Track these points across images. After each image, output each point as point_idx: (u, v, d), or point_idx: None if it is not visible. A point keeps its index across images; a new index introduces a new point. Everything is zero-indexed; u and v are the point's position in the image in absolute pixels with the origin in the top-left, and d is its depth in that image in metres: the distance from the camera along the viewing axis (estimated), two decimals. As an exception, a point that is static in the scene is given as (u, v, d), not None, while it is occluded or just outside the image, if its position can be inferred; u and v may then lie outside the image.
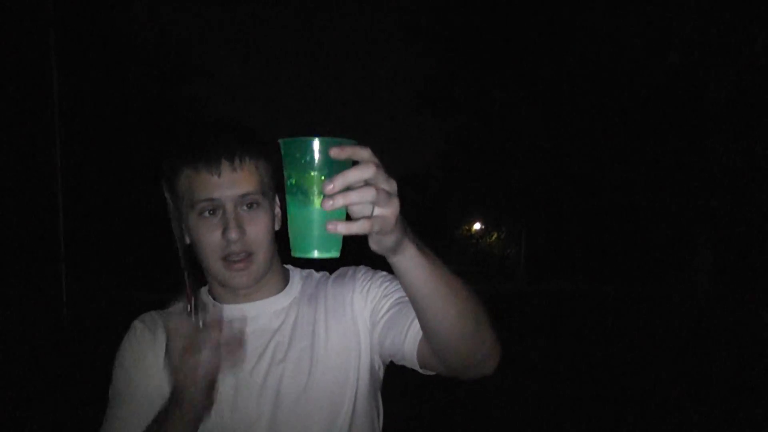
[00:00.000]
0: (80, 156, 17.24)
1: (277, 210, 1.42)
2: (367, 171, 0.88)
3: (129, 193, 19.76)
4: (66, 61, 15.71)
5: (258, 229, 1.32)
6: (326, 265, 1.28)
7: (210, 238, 1.30)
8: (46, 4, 14.96)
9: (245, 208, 1.31)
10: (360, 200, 0.88)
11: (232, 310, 1.38)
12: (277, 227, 1.40)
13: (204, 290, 1.47)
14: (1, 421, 6.08)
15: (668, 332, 11.20)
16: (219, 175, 1.28)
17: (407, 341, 1.26)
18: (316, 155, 0.92)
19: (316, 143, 0.91)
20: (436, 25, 22.02)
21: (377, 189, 0.88)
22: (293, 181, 0.95)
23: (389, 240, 0.95)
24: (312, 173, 0.92)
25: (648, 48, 13.12)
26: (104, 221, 19.12)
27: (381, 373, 1.45)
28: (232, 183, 1.28)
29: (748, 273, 14.88)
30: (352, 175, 0.87)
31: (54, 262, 14.82)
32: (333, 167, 0.91)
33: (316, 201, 0.92)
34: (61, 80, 15.13)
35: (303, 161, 0.93)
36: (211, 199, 1.28)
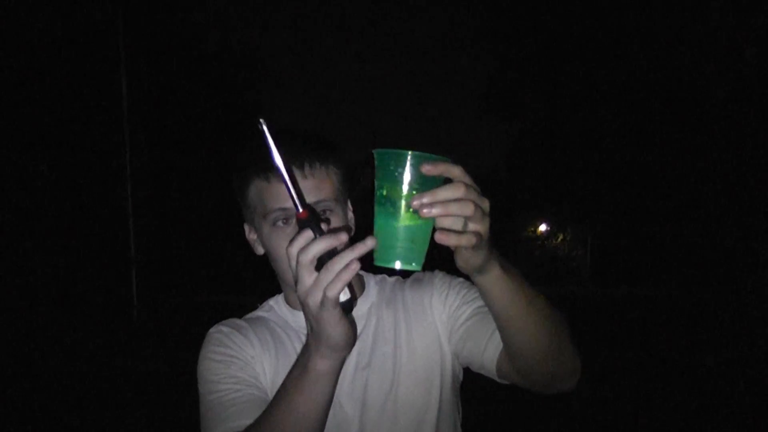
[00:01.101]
0: (149, 161, 17.75)
1: (350, 215, 1.40)
2: (457, 191, 0.89)
3: (198, 197, 20.24)
4: (134, 69, 16.20)
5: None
6: (393, 270, 1.29)
7: (284, 248, 1.24)
8: (115, 13, 15.50)
9: None
10: (458, 213, 0.89)
11: None
12: (350, 233, 1.38)
13: (280, 298, 1.47)
14: (73, 419, 6.28)
15: (741, 336, 10.81)
16: None
17: (487, 353, 1.26)
18: (409, 169, 0.93)
19: (410, 157, 0.92)
20: (501, 27, 21.87)
21: (475, 205, 0.90)
22: (384, 192, 0.95)
23: (478, 258, 0.97)
24: (402, 186, 0.93)
25: (724, 44, 12.75)
26: (174, 225, 19.62)
27: (461, 376, 1.43)
28: (304, 190, 1.25)
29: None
30: (442, 194, 0.89)
31: (125, 265, 15.31)
32: (425, 182, 0.92)
33: (404, 214, 0.94)
34: (130, 87, 15.63)
35: (396, 174, 0.93)
36: (284, 209, 1.26)
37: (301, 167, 1.27)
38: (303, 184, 1.26)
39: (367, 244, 0.96)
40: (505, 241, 31.87)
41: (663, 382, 7.73)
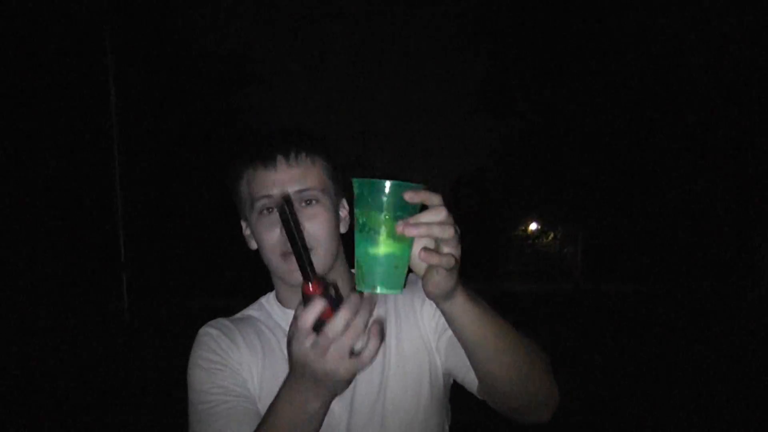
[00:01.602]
0: (139, 164, 17.69)
1: (344, 212, 1.40)
2: (439, 215, 0.94)
3: (187, 201, 20.18)
4: (123, 70, 16.15)
5: (316, 224, 1.30)
6: None
7: (269, 235, 1.29)
8: (104, 13, 15.45)
9: (304, 203, 1.29)
10: (440, 235, 0.94)
11: None
12: (343, 230, 1.38)
13: (272, 296, 1.46)
14: (64, 422, 6.27)
15: (730, 332, 10.88)
16: (275, 171, 1.28)
17: (471, 373, 1.25)
18: (388, 197, 0.96)
19: (389, 186, 0.95)
20: (492, 26, 21.89)
21: (453, 229, 0.95)
22: (364, 220, 0.98)
23: (448, 283, 0.99)
24: (383, 214, 0.96)
25: (716, 43, 12.82)
26: (165, 228, 19.55)
27: (450, 380, 1.41)
28: (289, 178, 1.28)
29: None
30: (427, 217, 0.94)
31: (115, 269, 15.26)
32: (404, 210, 0.96)
33: (385, 240, 0.96)
34: (119, 89, 15.58)
35: (375, 202, 0.96)
36: (269, 196, 1.27)
37: (287, 156, 1.28)
38: (288, 172, 1.28)
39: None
40: (496, 239, 32.01)
41: (655, 378, 7.76)
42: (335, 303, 0.99)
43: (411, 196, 0.94)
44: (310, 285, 0.99)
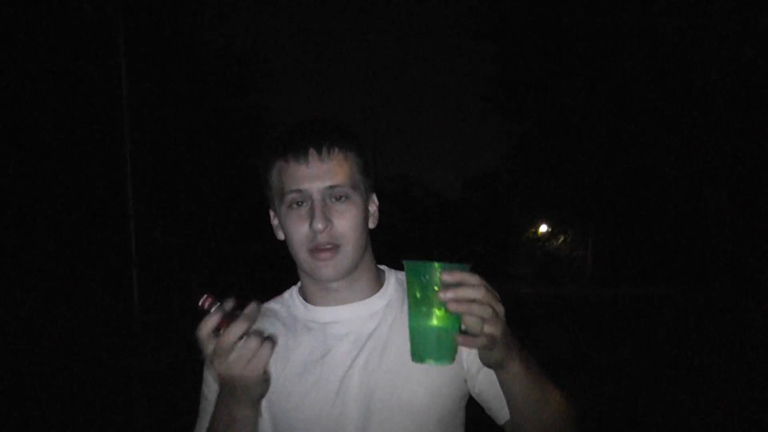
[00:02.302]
0: (150, 163, 17.76)
1: (373, 207, 1.40)
2: (478, 291, 1.00)
3: (200, 198, 20.24)
4: (135, 70, 16.21)
5: (346, 221, 1.28)
6: None
7: (298, 229, 1.28)
8: (116, 13, 15.51)
9: (334, 200, 1.28)
10: (478, 313, 1.00)
11: (323, 313, 1.38)
12: (371, 225, 1.38)
13: (295, 290, 1.46)
14: (73, 419, 6.30)
15: (740, 335, 10.81)
16: (307, 165, 1.27)
17: (503, 411, 1.29)
18: (435, 277, 1.04)
19: (436, 268, 1.04)
20: (503, 27, 21.86)
21: (492, 309, 1.01)
22: (417, 297, 1.07)
23: (494, 357, 1.07)
24: (431, 293, 1.04)
25: (723, 44, 12.75)
26: (175, 225, 19.62)
27: (470, 393, 1.39)
28: (320, 173, 1.26)
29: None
30: (464, 292, 1.00)
31: (126, 266, 15.32)
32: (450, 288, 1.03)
33: (434, 316, 1.05)
34: (131, 88, 15.64)
35: (424, 282, 1.05)
36: (299, 190, 1.27)
37: (319, 150, 1.27)
38: (320, 167, 1.27)
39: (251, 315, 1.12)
40: (506, 241, 31.93)
41: (664, 381, 7.73)
42: (230, 316, 1.12)
43: (448, 278, 1.01)
44: (204, 300, 1.15)
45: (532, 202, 26.40)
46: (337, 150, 1.28)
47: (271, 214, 1.39)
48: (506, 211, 30.97)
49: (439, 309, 1.04)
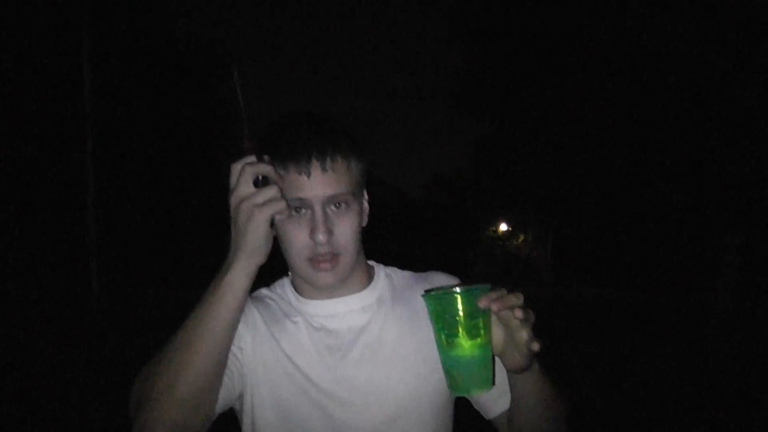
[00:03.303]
0: (111, 153, 17.44)
1: (365, 205, 1.39)
2: (520, 299, 1.07)
3: (160, 190, 19.96)
4: (98, 59, 15.90)
5: (346, 230, 1.28)
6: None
7: (297, 237, 1.27)
8: (80, 3, 15.19)
9: (333, 207, 1.27)
10: (526, 318, 1.07)
11: (315, 307, 1.38)
12: (363, 224, 1.38)
13: (287, 282, 1.45)
14: (31, 414, 6.18)
15: (696, 336, 11.07)
16: (308, 176, 1.24)
17: (496, 406, 1.38)
18: (461, 306, 1.07)
19: (460, 295, 1.08)
20: (469, 26, 21.92)
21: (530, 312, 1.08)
22: (444, 332, 1.10)
23: (527, 361, 1.13)
24: (459, 322, 1.08)
25: (681, 49, 12.98)
26: (135, 218, 19.33)
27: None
28: (321, 183, 1.24)
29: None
30: (509, 299, 1.07)
31: (85, 257, 15.04)
32: (476, 312, 1.07)
33: (466, 345, 1.08)
34: (93, 78, 15.33)
35: (450, 312, 1.08)
36: (300, 199, 1.25)
37: (322, 161, 1.25)
38: (322, 178, 1.25)
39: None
40: (466, 239, 32.11)
41: (622, 380, 7.88)
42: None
43: (484, 303, 1.06)
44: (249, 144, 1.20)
45: (492, 201, 26.56)
46: (339, 159, 1.27)
47: None
48: (467, 209, 31.12)
49: (475, 338, 1.07)
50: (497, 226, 30.25)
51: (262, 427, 1.31)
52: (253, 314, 1.36)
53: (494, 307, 1.05)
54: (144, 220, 19.45)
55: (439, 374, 1.29)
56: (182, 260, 20.26)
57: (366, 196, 1.40)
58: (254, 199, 1.13)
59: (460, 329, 1.06)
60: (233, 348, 1.25)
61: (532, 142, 21.44)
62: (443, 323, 1.08)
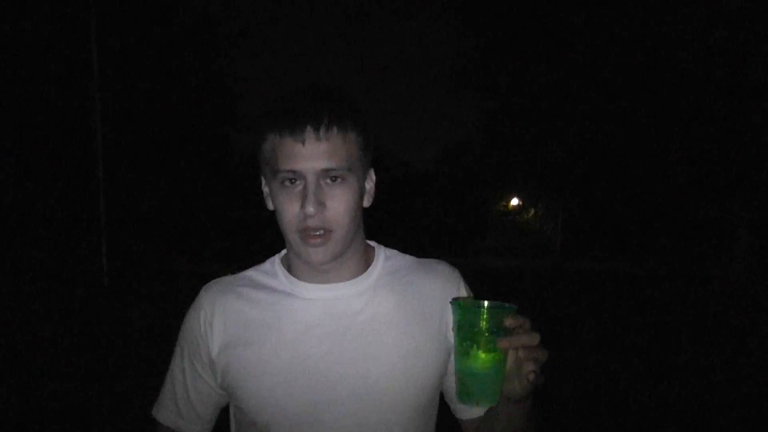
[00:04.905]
0: (120, 129, 17.50)
1: (370, 185, 1.34)
2: (536, 338, 1.08)
3: (168, 166, 20.02)
4: (105, 35, 15.89)
5: (339, 205, 1.22)
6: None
7: (288, 208, 1.22)
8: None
9: (329, 181, 1.21)
10: (540, 358, 1.08)
11: (310, 290, 1.32)
12: (366, 204, 1.33)
13: (277, 259, 1.40)
14: (41, 389, 6.24)
15: (704, 312, 11.04)
16: (303, 143, 1.18)
17: (469, 413, 1.37)
18: (486, 319, 1.10)
19: (487, 311, 1.10)
20: (477, 4, 21.75)
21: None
22: (465, 341, 1.11)
23: (525, 392, 1.13)
24: (482, 335, 1.10)
25: (693, 23, 12.83)
26: (144, 193, 19.42)
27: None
28: (316, 154, 1.19)
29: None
30: (526, 338, 1.08)
31: (95, 232, 15.16)
32: (498, 328, 1.09)
33: (484, 357, 1.10)
34: (101, 52, 15.35)
35: (474, 324, 1.10)
36: (293, 170, 1.20)
37: (317, 128, 1.19)
38: (317, 147, 1.19)
39: None
40: (477, 213, 32.10)
41: (630, 355, 7.87)
42: None
43: (511, 322, 1.07)
44: None
45: (503, 175, 26.46)
46: (336, 129, 1.20)
47: (263, 180, 1.32)
48: (477, 183, 31.04)
49: (493, 352, 1.09)
50: (508, 201, 30.20)
51: (249, 411, 1.30)
52: (221, 313, 1.33)
53: (508, 344, 1.08)
54: (153, 196, 19.52)
55: (430, 366, 1.28)
56: (192, 236, 20.39)
57: (372, 177, 1.35)
58: None
59: (482, 342, 1.09)
60: (197, 378, 1.36)
61: (542, 116, 21.34)
62: (466, 333, 1.11)
